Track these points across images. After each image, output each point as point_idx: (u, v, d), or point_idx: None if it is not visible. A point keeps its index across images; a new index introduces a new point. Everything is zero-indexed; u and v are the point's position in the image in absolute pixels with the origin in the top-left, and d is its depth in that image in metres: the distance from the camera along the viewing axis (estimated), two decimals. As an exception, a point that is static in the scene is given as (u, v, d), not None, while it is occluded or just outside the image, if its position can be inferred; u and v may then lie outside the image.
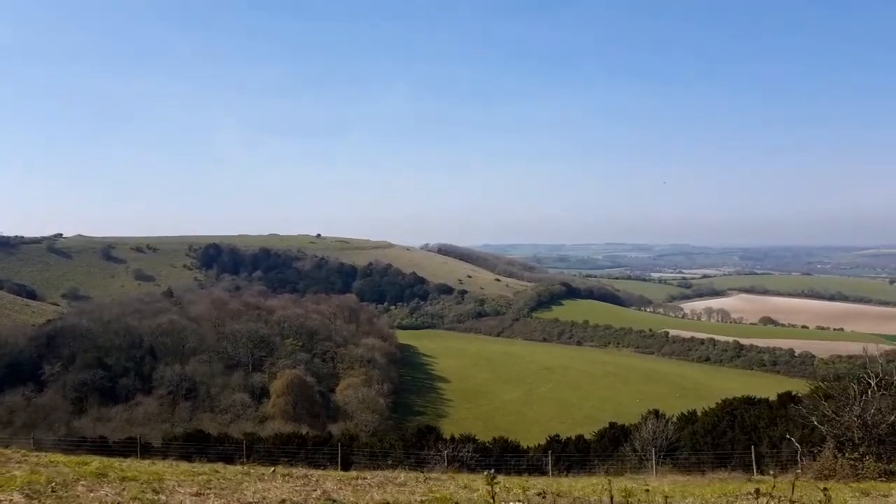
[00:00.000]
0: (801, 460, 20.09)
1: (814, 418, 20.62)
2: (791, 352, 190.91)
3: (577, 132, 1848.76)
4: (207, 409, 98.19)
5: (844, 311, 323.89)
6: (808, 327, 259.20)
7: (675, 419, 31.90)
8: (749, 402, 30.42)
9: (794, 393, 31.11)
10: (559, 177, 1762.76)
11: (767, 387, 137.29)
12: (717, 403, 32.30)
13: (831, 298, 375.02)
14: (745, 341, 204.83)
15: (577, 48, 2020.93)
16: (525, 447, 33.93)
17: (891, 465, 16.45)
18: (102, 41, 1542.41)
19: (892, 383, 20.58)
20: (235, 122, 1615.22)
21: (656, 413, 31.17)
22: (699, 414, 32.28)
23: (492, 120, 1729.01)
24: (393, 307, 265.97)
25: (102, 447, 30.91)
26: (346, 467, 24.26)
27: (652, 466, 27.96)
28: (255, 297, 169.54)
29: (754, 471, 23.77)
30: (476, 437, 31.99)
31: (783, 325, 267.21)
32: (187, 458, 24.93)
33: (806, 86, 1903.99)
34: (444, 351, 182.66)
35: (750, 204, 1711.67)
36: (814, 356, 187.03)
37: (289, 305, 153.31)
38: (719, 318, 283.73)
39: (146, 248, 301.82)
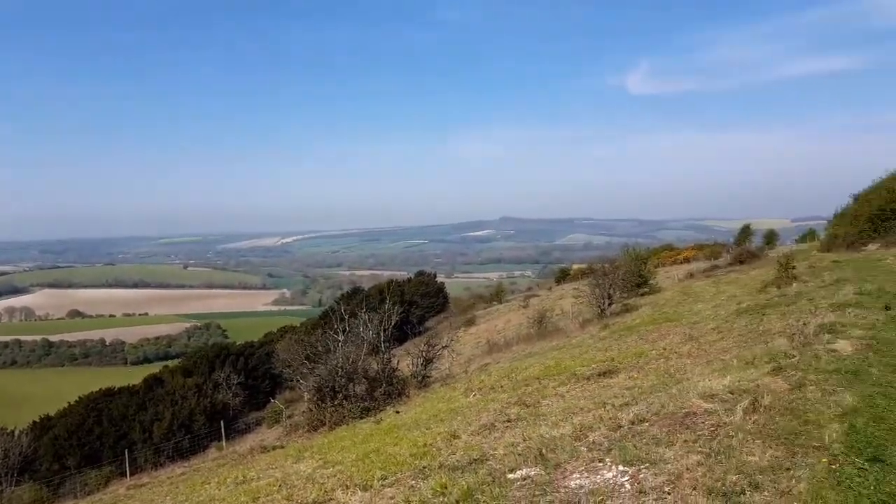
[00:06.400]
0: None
1: (295, 374, 21.82)
2: (102, 341, 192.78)
3: None
4: None
5: (148, 296, 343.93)
6: (115, 316, 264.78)
7: (26, 430, 28.21)
8: (111, 393, 29.54)
9: (158, 375, 31.85)
10: None
11: (86, 379, 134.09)
12: (71, 402, 30.09)
13: (135, 286, 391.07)
14: (54, 338, 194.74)
15: None
16: None
17: (365, 403, 19.12)
18: None
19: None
20: None
21: None
22: (54, 416, 29.40)
23: None
24: None
25: None
26: None
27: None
28: None
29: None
30: None
31: (92, 317, 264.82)
32: None
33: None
34: None
35: (42, 196, 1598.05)
36: (124, 342, 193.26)
37: None
38: (23, 317, 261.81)
39: None
